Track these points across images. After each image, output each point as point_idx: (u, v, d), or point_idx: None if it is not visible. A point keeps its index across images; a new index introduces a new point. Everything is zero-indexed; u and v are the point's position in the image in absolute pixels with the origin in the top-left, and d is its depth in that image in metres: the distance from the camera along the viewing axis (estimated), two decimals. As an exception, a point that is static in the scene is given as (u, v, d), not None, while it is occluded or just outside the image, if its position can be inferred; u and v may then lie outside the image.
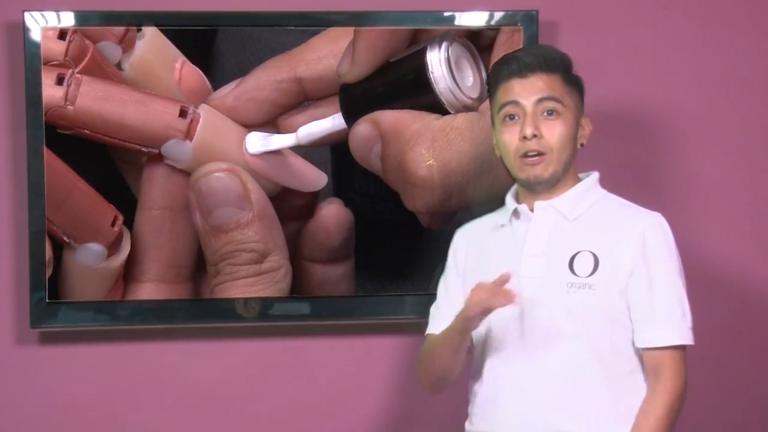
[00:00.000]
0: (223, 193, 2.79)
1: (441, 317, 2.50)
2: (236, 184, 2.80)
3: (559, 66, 2.37)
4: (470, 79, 2.80)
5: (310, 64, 2.83)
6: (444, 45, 2.75)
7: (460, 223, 2.57)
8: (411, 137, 2.79)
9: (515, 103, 2.35)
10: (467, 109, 2.78)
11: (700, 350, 2.38)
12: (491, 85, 2.41)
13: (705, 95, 3.02)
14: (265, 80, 2.83)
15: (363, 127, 2.81)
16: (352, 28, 2.83)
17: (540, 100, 2.34)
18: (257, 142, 2.81)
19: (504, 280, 2.26)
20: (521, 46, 2.82)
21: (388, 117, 2.80)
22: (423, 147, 2.80)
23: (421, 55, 2.76)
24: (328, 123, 2.82)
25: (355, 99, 2.81)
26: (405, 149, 2.80)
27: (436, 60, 2.75)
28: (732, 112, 3.03)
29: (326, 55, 2.83)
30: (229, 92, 2.82)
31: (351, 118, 2.81)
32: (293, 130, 2.83)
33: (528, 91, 2.35)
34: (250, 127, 2.83)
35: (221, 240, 2.81)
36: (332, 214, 2.87)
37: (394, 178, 2.83)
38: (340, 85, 2.82)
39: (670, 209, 2.47)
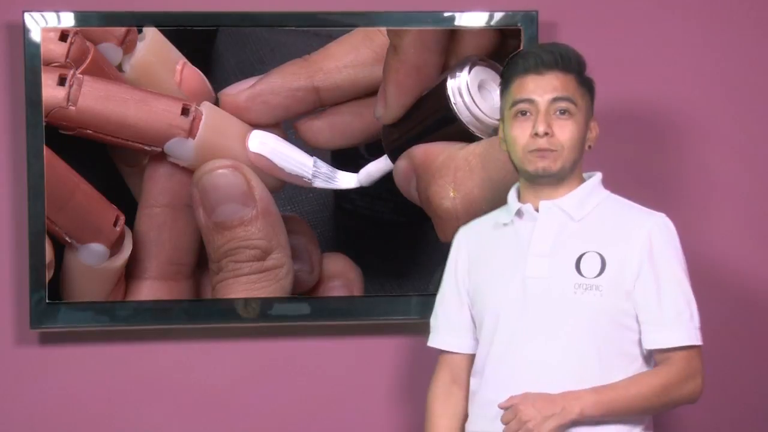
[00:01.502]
0: (227, 189, 2.79)
1: (439, 329, 2.52)
2: (240, 180, 2.80)
3: (574, 66, 2.38)
4: (497, 100, 2.80)
5: (329, 74, 2.83)
6: (464, 71, 2.76)
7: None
8: (436, 170, 2.83)
9: (529, 100, 2.35)
10: (494, 131, 2.78)
11: (705, 350, 2.38)
12: (505, 77, 2.41)
13: (706, 95, 3.02)
14: (281, 86, 2.83)
15: (400, 163, 2.86)
16: (374, 31, 2.85)
17: (554, 100, 2.35)
18: (322, 176, 2.84)
19: None
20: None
21: (419, 151, 2.84)
22: (446, 179, 2.82)
23: (443, 86, 2.78)
24: (382, 163, 2.86)
25: (395, 138, 2.85)
26: (430, 182, 2.83)
27: (456, 89, 2.76)
28: (733, 112, 3.04)
29: (346, 66, 2.84)
30: (243, 91, 2.82)
31: (394, 156, 2.85)
32: (310, 135, 2.85)
33: (543, 89, 2.35)
34: (258, 126, 2.83)
35: (224, 237, 2.81)
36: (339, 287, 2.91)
37: (427, 210, 2.87)
38: (382, 126, 2.84)
39: (670, 209, 2.46)
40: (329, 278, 2.89)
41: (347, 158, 2.87)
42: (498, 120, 2.73)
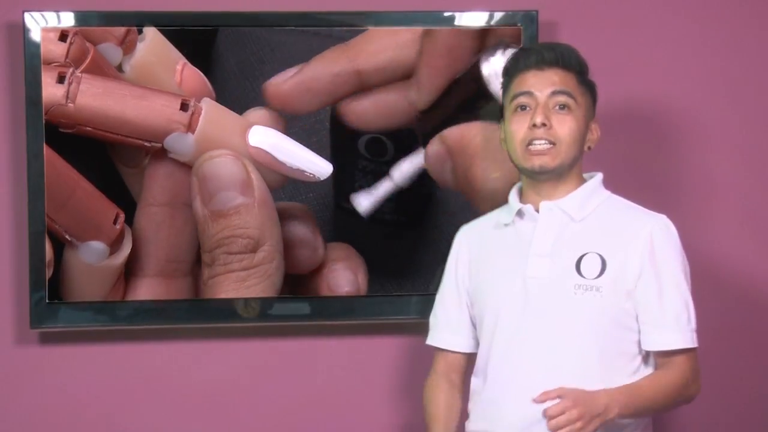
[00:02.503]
0: (226, 177, 2.79)
1: (439, 327, 2.53)
2: (240, 169, 2.80)
3: (575, 65, 2.39)
4: None
5: (370, 56, 2.84)
6: (497, 54, 2.80)
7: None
8: (474, 151, 2.85)
9: (529, 93, 2.36)
10: None
11: (704, 350, 2.38)
12: (507, 74, 2.43)
13: (706, 95, 3.02)
14: (323, 72, 2.84)
15: (433, 147, 2.87)
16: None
17: (554, 93, 2.36)
18: (366, 199, 2.87)
19: None
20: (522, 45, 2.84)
21: (453, 132, 2.86)
22: (488, 160, 2.84)
23: (476, 69, 2.81)
24: (418, 158, 2.87)
25: (430, 123, 2.86)
26: (470, 164, 2.85)
27: (492, 72, 2.80)
28: (733, 113, 3.03)
29: (386, 48, 2.85)
30: (286, 80, 2.84)
31: (426, 141, 2.87)
32: (354, 117, 2.86)
33: (542, 83, 2.36)
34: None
35: (219, 224, 2.80)
36: (343, 284, 2.90)
37: (466, 191, 2.88)
38: (417, 113, 2.86)
39: (670, 209, 2.46)
40: (333, 261, 2.89)
41: (345, 155, 2.87)
42: None
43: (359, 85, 2.86)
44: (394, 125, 2.87)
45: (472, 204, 2.87)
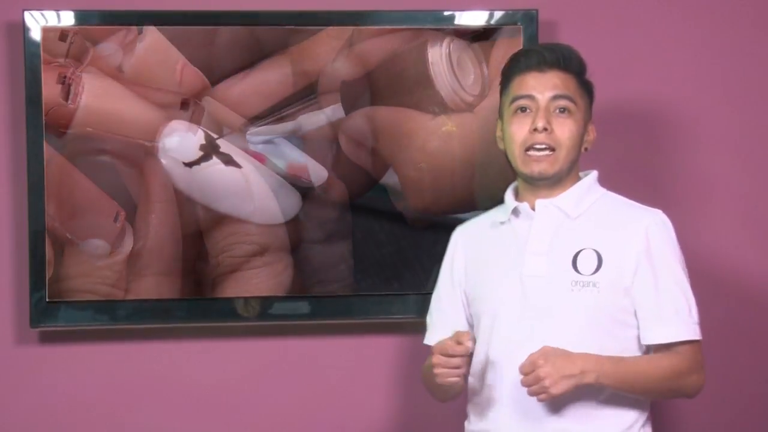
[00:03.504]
0: (225, 185, 2.80)
1: (435, 327, 2.52)
2: (237, 176, 2.80)
3: (575, 67, 2.39)
4: (471, 77, 2.81)
5: (316, 59, 2.83)
6: (446, 41, 2.77)
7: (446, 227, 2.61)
8: (404, 136, 2.82)
9: (530, 97, 2.36)
10: (466, 105, 2.80)
11: (703, 350, 2.38)
12: (506, 74, 2.42)
13: (705, 95, 3.02)
14: (272, 75, 2.82)
15: (356, 121, 2.83)
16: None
17: (555, 97, 2.36)
18: (261, 130, 2.83)
19: (459, 341, 2.27)
20: (521, 45, 2.84)
21: (383, 113, 2.83)
22: (415, 149, 2.82)
23: (423, 50, 2.77)
24: (327, 113, 2.83)
25: (356, 93, 2.83)
26: (397, 149, 2.82)
27: (437, 56, 2.77)
28: (732, 112, 3.04)
29: (332, 50, 2.84)
30: (234, 84, 2.82)
31: (349, 110, 2.83)
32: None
33: (544, 86, 2.36)
34: (254, 117, 2.83)
35: (222, 232, 2.81)
36: (327, 186, 2.87)
37: (383, 174, 2.85)
38: (342, 80, 2.83)
39: (666, 207, 2.46)
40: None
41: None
42: (470, 95, 2.77)
43: (308, 88, 2.84)
44: (276, 104, 2.85)
45: (390, 193, 2.87)
